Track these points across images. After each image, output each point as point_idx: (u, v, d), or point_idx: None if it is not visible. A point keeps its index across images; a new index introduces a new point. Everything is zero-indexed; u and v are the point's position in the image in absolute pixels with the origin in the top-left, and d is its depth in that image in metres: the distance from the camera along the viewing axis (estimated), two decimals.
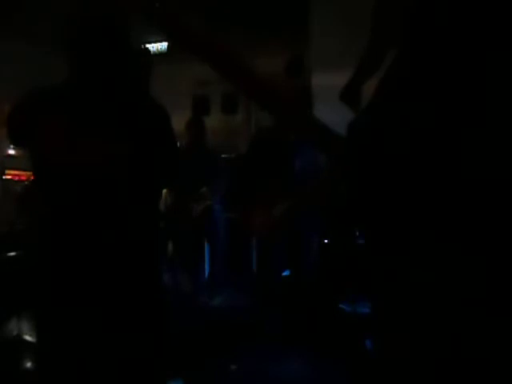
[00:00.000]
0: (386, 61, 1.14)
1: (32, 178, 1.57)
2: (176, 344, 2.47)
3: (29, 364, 2.36)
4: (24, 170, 4.62)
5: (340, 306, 3.01)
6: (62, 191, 1.46)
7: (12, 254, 3.11)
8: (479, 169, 0.85)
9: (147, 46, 5.73)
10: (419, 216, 0.91)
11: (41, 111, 1.48)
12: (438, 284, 0.88)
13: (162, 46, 5.69)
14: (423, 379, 0.90)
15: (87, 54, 1.46)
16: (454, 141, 0.87)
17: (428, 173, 0.90)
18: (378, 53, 1.23)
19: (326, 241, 3.27)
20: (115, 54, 1.49)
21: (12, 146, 4.73)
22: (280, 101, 1.24)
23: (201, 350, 2.81)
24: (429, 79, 0.91)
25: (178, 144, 1.75)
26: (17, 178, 4.83)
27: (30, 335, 2.62)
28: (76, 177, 1.44)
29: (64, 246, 1.46)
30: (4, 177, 4.95)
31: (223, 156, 4.48)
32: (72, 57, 1.49)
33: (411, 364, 0.92)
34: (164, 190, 3.63)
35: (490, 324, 0.83)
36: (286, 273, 3.18)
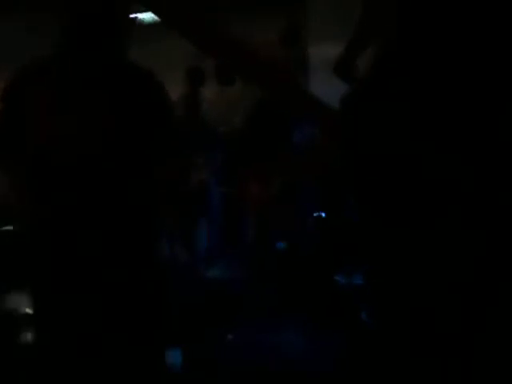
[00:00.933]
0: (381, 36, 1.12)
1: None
2: (174, 314, 2.49)
3: (28, 336, 2.39)
4: None
5: (336, 277, 3.04)
6: (55, 167, 1.46)
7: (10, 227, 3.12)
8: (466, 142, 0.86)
9: (138, 15, 5.59)
10: (411, 190, 0.92)
11: (32, 88, 1.47)
12: (431, 253, 0.89)
13: (153, 15, 5.53)
14: (419, 348, 0.92)
15: (84, 30, 1.45)
16: (443, 113, 0.87)
17: (419, 145, 0.90)
18: (370, 26, 1.22)
19: (321, 213, 3.28)
20: (112, 28, 1.48)
21: None
22: (273, 76, 1.23)
23: (198, 320, 2.85)
24: (422, 55, 0.91)
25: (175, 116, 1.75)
26: None
27: (30, 308, 2.65)
28: (71, 151, 1.44)
29: (61, 217, 1.47)
30: None
31: (220, 128, 4.45)
32: (67, 32, 1.47)
33: (407, 335, 0.93)
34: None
35: (482, 292, 0.85)
36: (281, 245, 3.21)
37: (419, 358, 0.91)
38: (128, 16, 1.56)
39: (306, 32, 4.57)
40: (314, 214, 3.23)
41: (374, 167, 0.99)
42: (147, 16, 5.86)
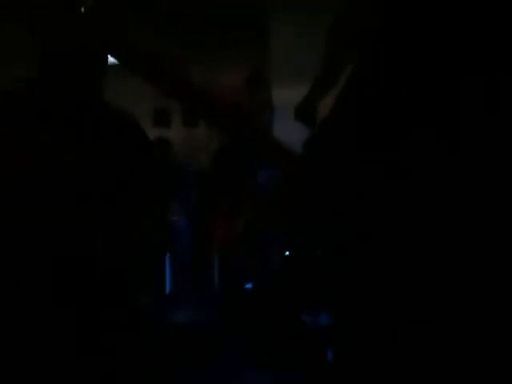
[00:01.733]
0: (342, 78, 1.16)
1: None
2: (135, 363, 2.41)
3: None
4: None
5: (302, 317, 3.02)
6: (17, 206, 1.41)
7: None
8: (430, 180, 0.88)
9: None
10: (374, 229, 0.94)
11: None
12: (399, 290, 0.89)
13: None
14: None
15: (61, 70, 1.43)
16: (409, 157, 0.90)
17: (382, 186, 0.93)
18: (333, 70, 1.25)
19: (287, 253, 3.28)
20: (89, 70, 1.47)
21: None
22: (235, 120, 1.25)
23: (162, 366, 2.78)
24: (382, 97, 0.94)
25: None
26: None
27: None
28: (36, 190, 1.39)
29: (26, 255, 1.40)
30: None
31: (188, 169, 4.46)
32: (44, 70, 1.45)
33: (370, 372, 0.93)
34: None
35: (448, 333, 0.85)
36: (248, 286, 3.18)
37: None
38: (105, 55, 1.55)
39: (271, 75, 4.67)
40: (280, 254, 3.23)
41: (336, 208, 1.01)
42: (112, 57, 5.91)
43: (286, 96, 4.11)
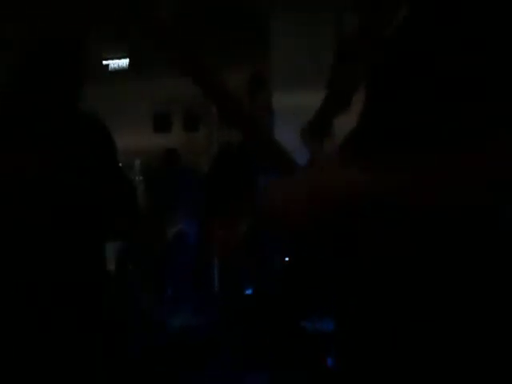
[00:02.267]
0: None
1: None
2: (135, 364, 2.42)
3: None
4: None
5: (302, 323, 3.02)
6: None
7: None
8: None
9: (108, 62, 5.59)
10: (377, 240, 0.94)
11: None
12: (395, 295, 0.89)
13: (122, 62, 5.57)
14: None
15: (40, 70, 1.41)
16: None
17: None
18: (343, 88, 1.15)
19: (287, 258, 3.28)
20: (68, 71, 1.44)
21: None
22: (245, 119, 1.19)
23: (162, 370, 2.78)
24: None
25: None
26: None
27: None
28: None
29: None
30: None
31: (192, 175, 4.48)
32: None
33: (372, 377, 0.93)
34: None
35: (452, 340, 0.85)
36: (248, 291, 3.19)
37: None
38: (82, 60, 1.51)
39: (271, 76, 4.67)
40: (280, 257, 3.23)
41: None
42: (115, 63, 5.88)
43: (286, 99, 4.11)
